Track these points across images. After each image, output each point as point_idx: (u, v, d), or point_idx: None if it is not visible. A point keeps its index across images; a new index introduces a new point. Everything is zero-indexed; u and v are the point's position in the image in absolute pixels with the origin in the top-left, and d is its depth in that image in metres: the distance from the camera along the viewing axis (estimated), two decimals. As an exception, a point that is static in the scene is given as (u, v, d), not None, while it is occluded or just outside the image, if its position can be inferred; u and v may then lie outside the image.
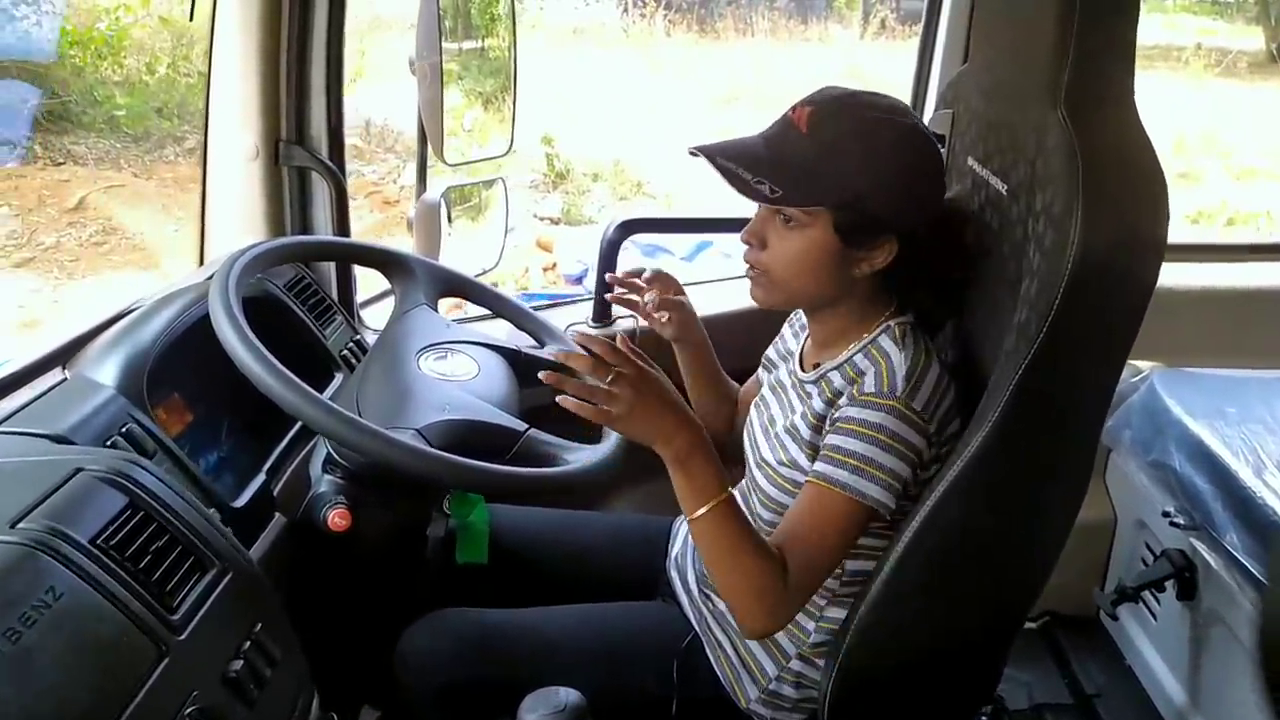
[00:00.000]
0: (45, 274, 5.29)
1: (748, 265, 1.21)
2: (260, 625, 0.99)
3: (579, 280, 4.75)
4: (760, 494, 1.27)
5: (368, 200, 6.38)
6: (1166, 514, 1.62)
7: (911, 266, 1.19)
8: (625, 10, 11.71)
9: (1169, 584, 1.64)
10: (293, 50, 1.58)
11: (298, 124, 1.63)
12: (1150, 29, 11.78)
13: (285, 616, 1.05)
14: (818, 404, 1.19)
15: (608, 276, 1.48)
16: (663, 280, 1.44)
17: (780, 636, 1.27)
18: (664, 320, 1.43)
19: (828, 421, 1.17)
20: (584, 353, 1.10)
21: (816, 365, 1.25)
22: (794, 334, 1.39)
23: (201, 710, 0.88)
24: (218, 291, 1.19)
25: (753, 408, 1.38)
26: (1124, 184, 1.01)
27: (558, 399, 1.07)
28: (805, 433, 1.20)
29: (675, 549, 1.46)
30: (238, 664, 0.94)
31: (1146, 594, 1.70)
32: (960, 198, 1.32)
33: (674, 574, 1.43)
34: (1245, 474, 1.49)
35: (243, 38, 1.54)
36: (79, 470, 0.95)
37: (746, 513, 1.26)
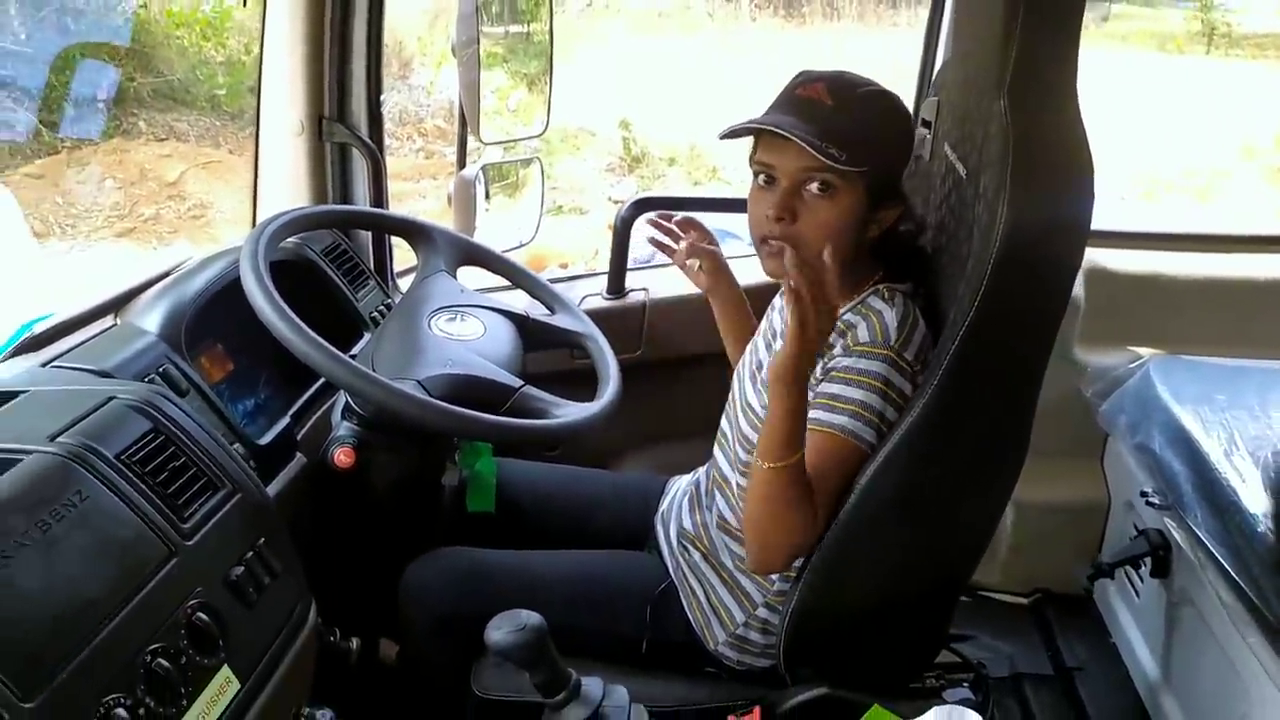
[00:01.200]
0: (144, 243, 5.63)
1: (767, 240, 1.26)
2: (263, 540, 1.14)
3: (646, 263, 4.87)
4: (739, 434, 1.36)
5: (449, 179, 6.57)
6: (1144, 494, 1.67)
7: (901, 226, 1.30)
8: (711, -6, 11.70)
9: (1145, 562, 1.68)
10: (335, 33, 1.73)
11: (339, 102, 1.78)
12: (1263, 16, 11.28)
13: (288, 538, 1.19)
14: None
15: (647, 219, 1.58)
16: (695, 227, 1.54)
17: (748, 585, 1.38)
18: (696, 269, 1.54)
19: (819, 371, 1.25)
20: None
21: None
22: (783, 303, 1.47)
23: (204, 605, 1.02)
24: (248, 252, 1.34)
25: (746, 350, 1.47)
26: (1051, 170, 1.08)
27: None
28: None
29: (664, 505, 1.56)
30: (239, 570, 1.08)
31: (1130, 572, 1.74)
32: (935, 180, 1.39)
33: (659, 526, 1.54)
34: (1215, 455, 1.53)
35: (290, 21, 1.69)
36: (112, 398, 1.11)
37: (727, 449, 1.36)
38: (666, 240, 1.55)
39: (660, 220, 1.57)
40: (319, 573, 1.26)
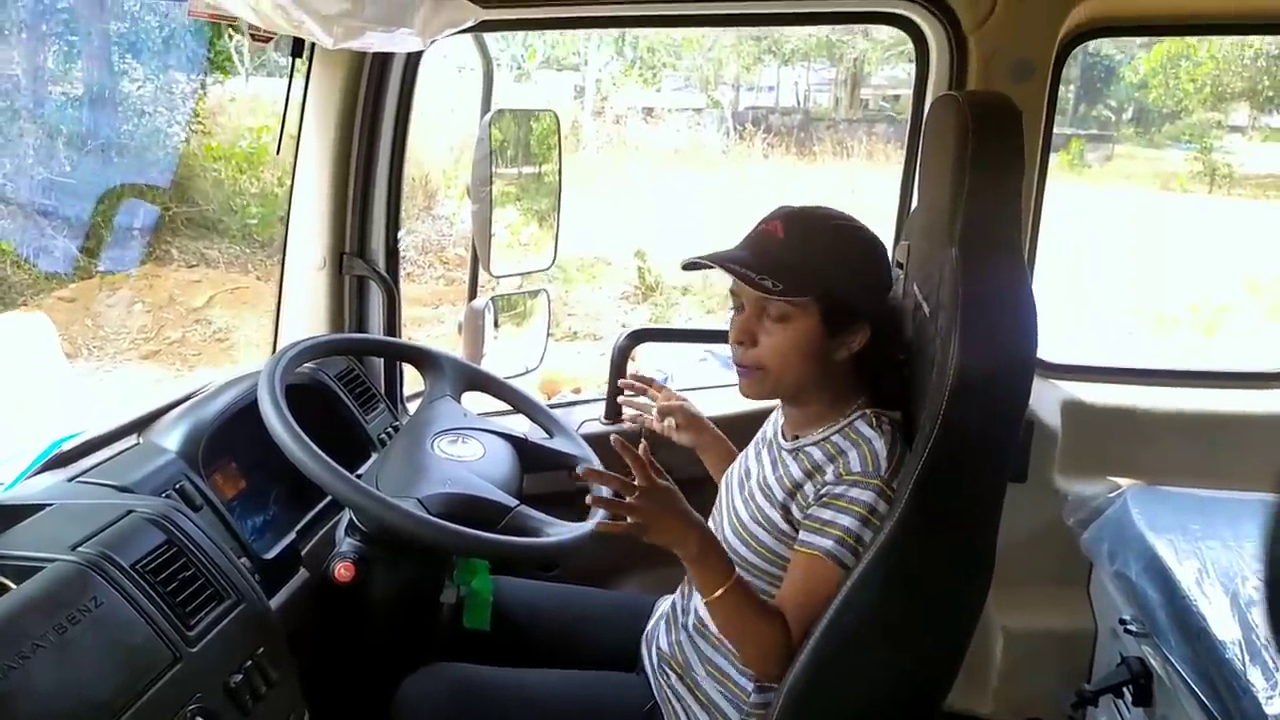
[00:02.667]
0: (169, 365, 5.81)
1: (740, 365, 1.37)
2: (262, 650, 1.20)
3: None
4: (724, 540, 1.42)
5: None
6: (1123, 621, 1.69)
7: (878, 349, 1.37)
8: (726, 133, 12.23)
9: (1127, 690, 1.69)
10: (359, 176, 1.89)
11: (360, 239, 1.92)
12: (1263, 158, 11.64)
13: (286, 649, 1.25)
14: (796, 472, 1.36)
15: (620, 383, 1.70)
16: (656, 387, 1.66)
17: (723, 705, 1.41)
18: (672, 428, 1.64)
19: (810, 492, 1.33)
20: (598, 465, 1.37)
21: (796, 437, 1.41)
22: (779, 414, 1.54)
23: (203, 710, 1.08)
24: (265, 376, 1.45)
25: (737, 458, 1.55)
26: (998, 313, 1.18)
27: (597, 526, 1.33)
28: (779, 494, 1.36)
29: (649, 626, 1.61)
30: (238, 677, 1.15)
31: (1115, 702, 1.74)
32: (907, 317, 1.49)
33: (644, 647, 1.58)
34: (1188, 583, 1.56)
35: (318, 164, 1.85)
36: (130, 511, 1.20)
37: None
38: (640, 409, 1.67)
39: (629, 383, 1.68)
40: (315, 684, 1.32)
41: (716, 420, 1.70)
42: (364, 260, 1.93)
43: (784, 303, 1.31)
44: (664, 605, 1.62)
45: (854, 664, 1.28)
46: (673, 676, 1.47)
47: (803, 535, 1.31)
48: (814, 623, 1.28)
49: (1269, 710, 1.30)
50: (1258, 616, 1.47)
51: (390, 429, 1.88)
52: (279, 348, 1.56)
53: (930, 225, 1.40)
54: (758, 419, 1.58)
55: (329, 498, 1.66)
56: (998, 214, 1.22)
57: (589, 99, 11.22)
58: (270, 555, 1.47)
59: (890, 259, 1.46)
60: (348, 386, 1.84)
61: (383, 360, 1.99)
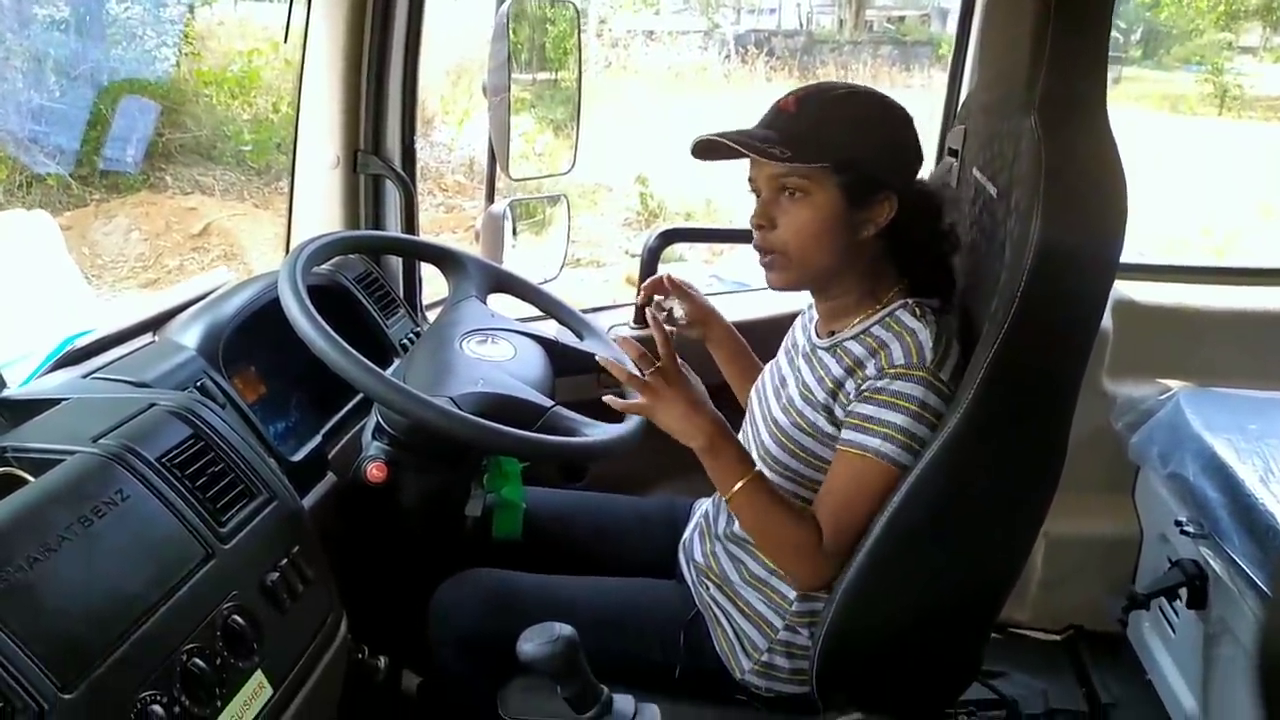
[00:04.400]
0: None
1: (762, 252, 1.29)
2: (297, 549, 1.14)
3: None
4: (763, 450, 1.36)
5: (467, 233, 6.69)
6: (1179, 523, 1.65)
7: (909, 228, 1.28)
8: (728, 56, 11.96)
9: (1181, 593, 1.65)
10: (372, 70, 1.78)
11: (375, 136, 1.82)
12: (1274, 79, 11.42)
13: (321, 549, 1.19)
14: (836, 370, 1.28)
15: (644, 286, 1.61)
16: (663, 287, 1.56)
17: (766, 611, 1.36)
18: (682, 319, 1.54)
19: (851, 389, 1.25)
20: (631, 367, 1.28)
21: (832, 333, 1.34)
22: (808, 314, 1.47)
23: (239, 607, 1.02)
24: (286, 271, 1.37)
25: (766, 368, 1.48)
26: (1083, 184, 1.09)
27: (604, 398, 1.24)
28: (820, 395, 1.29)
29: (686, 532, 1.55)
30: (274, 575, 1.08)
31: (1165, 605, 1.71)
32: (965, 205, 1.40)
33: (682, 556, 1.53)
34: (1251, 481, 1.51)
35: (329, 58, 1.74)
36: (153, 405, 1.13)
37: None
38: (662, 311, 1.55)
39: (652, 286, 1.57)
40: (348, 590, 1.26)
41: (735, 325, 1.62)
42: (379, 158, 1.83)
43: (799, 176, 1.22)
44: (699, 511, 1.57)
45: (911, 567, 1.23)
46: (712, 587, 1.42)
47: (845, 434, 1.24)
48: (860, 523, 1.22)
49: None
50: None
51: (411, 334, 1.81)
52: (302, 241, 1.47)
53: (997, 101, 1.30)
54: (777, 326, 1.50)
55: (353, 401, 1.60)
56: (1084, 77, 1.12)
57: (590, 22, 10.94)
58: (297, 458, 1.40)
59: (939, 149, 1.36)
60: (367, 290, 1.76)
61: (401, 264, 1.90)
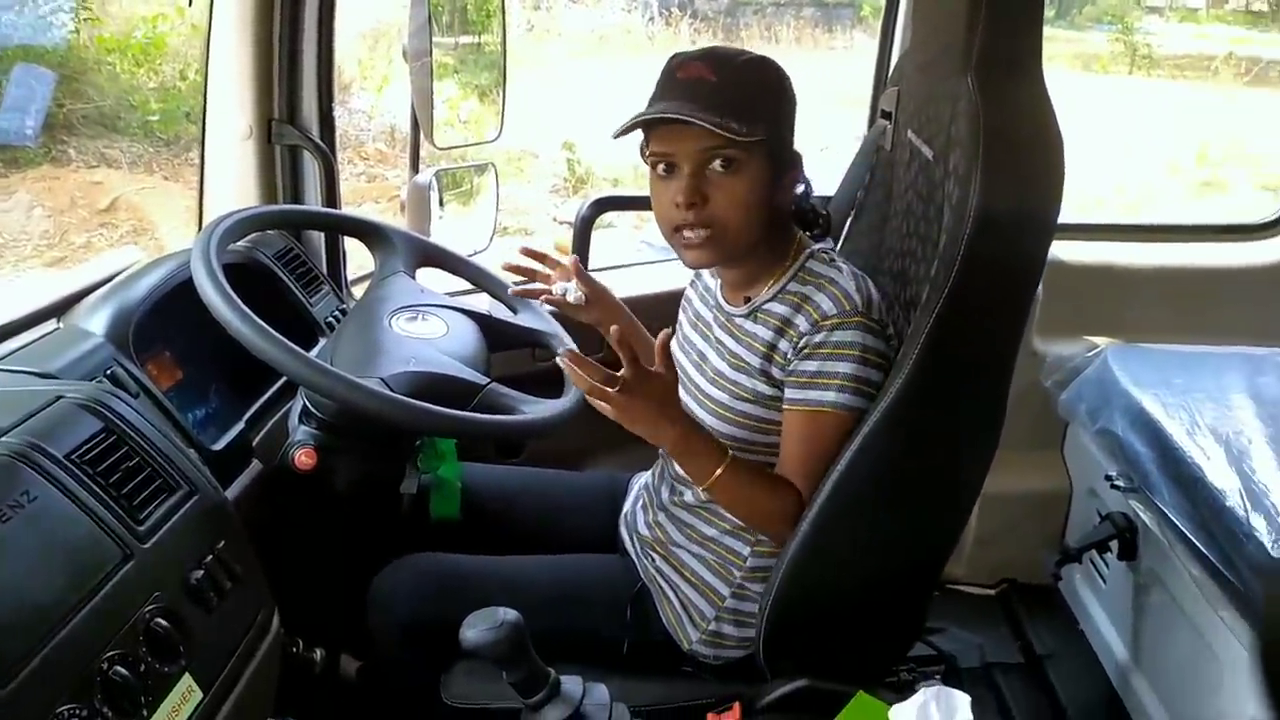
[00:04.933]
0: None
1: (690, 230, 1.23)
2: (223, 544, 1.08)
3: (609, 265, 4.88)
4: (715, 433, 1.33)
5: (391, 204, 6.52)
6: (1109, 477, 1.68)
7: (806, 186, 1.32)
8: (651, 19, 11.83)
9: (1112, 545, 1.69)
10: (285, 34, 1.69)
11: (289, 104, 1.73)
12: (1180, 39, 11.74)
13: (248, 542, 1.14)
14: (764, 333, 1.27)
15: (505, 266, 1.55)
16: (558, 267, 1.52)
17: (712, 579, 1.36)
18: (580, 300, 1.50)
19: (787, 349, 1.24)
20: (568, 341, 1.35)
21: (747, 299, 1.32)
22: (704, 285, 1.45)
23: (163, 610, 0.97)
24: (199, 249, 1.29)
25: (675, 348, 1.44)
26: (1022, 147, 1.09)
27: (587, 397, 1.21)
28: (755, 360, 1.27)
29: (626, 506, 1.53)
30: (199, 573, 1.03)
31: (1095, 557, 1.75)
32: (899, 169, 1.39)
33: (624, 530, 1.51)
34: (1179, 436, 1.55)
35: (238, 22, 1.65)
36: (60, 398, 1.05)
37: None
38: (533, 268, 1.52)
39: (530, 255, 1.53)
40: (280, 581, 1.21)
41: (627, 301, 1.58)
42: (295, 128, 1.75)
43: (733, 150, 1.19)
44: (638, 485, 1.55)
45: (857, 534, 1.23)
46: (657, 558, 1.41)
47: (791, 393, 1.23)
48: (821, 474, 1.22)
49: (1275, 553, 1.29)
50: (1256, 464, 1.46)
51: (337, 312, 1.74)
52: (216, 218, 1.40)
53: (933, 61, 1.29)
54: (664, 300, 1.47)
55: (278, 384, 1.53)
56: (1021, 37, 1.11)
57: (509, -18, 10.69)
58: (219, 447, 1.34)
59: (871, 111, 1.35)
60: (287, 267, 1.69)
61: (324, 238, 1.83)
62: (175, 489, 1.07)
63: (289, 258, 1.70)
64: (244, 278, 1.53)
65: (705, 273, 1.44)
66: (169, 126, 6.67)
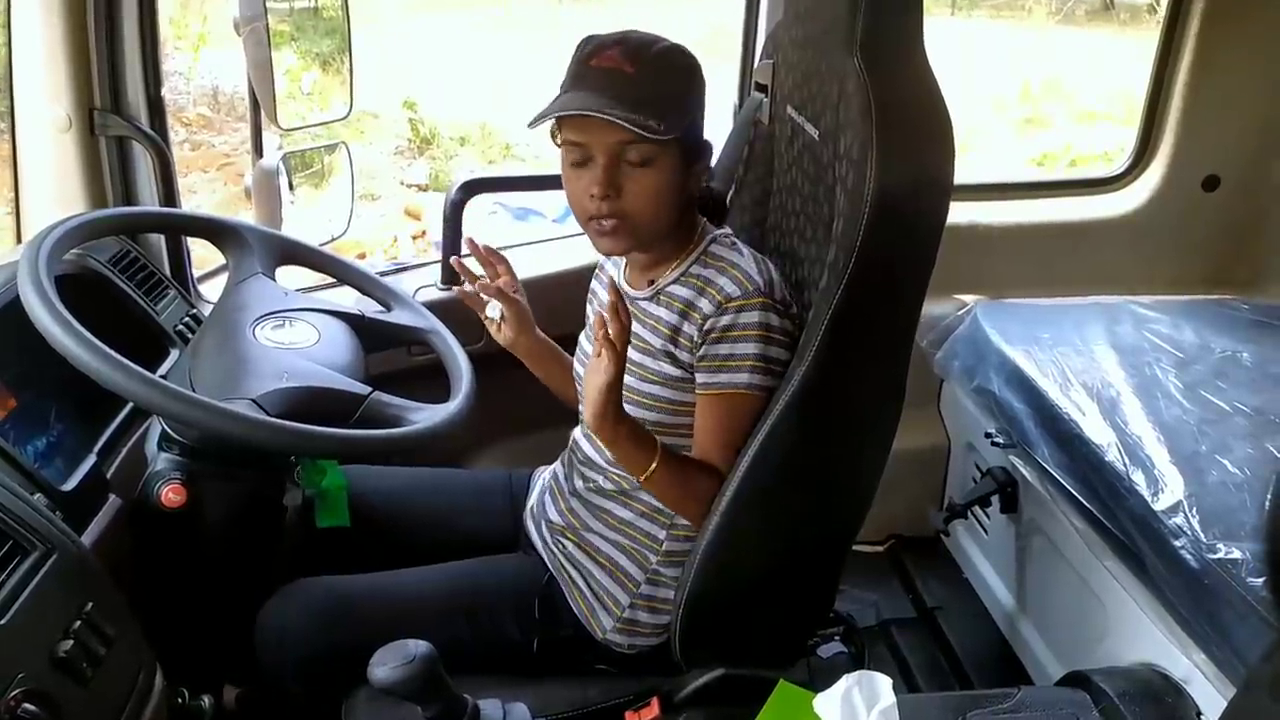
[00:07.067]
0: None
1: (604, 219, 1.21)
2: (91, 605, 0.97)
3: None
4: None
5: (220, 173, 6.10)
6: (989, 434, 1.75)
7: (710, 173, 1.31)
8: (484, -31, 11.45)
9: (994, 499, 1.76)
10: (101, 12, 1.51)
11: (113, 91, 1.56)
12: (994, -21, 12.25)
13: (119, 595, 1.03)
14: (667, 315, 1.26)
15: (465, 241, 1.48)
16: (504, 266, 1.44)
17: (627, 565, 1.33)
18: (498, 318, 1.45)
19: (693, 331, 1.23)
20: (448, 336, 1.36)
21: (651, 282, 1.30)
22: (607, 275, 1.42)
23: (29, 692, 0.86)
24: (27, 268, 1.15)
25: (583, 339, 1.43)
26: (914, 127, 1.08)
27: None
28: (658, 343, 1.26)
29: (531, 500, 1.49)
30: (67, 644, 0.92)
31: (976, 510, 1.82)
32: (780, 144, 1.37)
33: (529, 524, 1.46)
34: (1053, 392, 1.62)
35: (44, 1, 1.46)
36: None
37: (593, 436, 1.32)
38: (474, 271, 1.43)
39: (477, 250, 1.45)
40: (156, 629, 1.11)
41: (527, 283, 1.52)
42: (121, 117, 1.58)
43: (649, 145, 1.18)
44: (543, 478, 1.51)
45: (769, 520, 1.22)
46: (569, 545, 1.37)
47: (703, 378, 1.22)
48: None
49: (1156, 506, 1.36)
50: (1129, 416, 1.54)
51: (188, 319, 1.59)
52: (39, 231, 1.24)
53: (812, 38, 1.26)
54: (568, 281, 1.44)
55: (128, 407, 1.39)
56: (902, 12, 1.09)
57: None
58: (70, 486, 1.21)
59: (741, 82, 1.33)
60: (125, 273, 1.53)
61: (165, 237, 1.67)
62: (28, 550, 0.95)
63: (126, 262, 1.54)
64: (77, 290, 1.38)
65: (608, 263, 1.42)
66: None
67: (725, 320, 1.21)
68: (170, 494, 1.19)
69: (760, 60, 1.51)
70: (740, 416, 1.22)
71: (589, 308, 1.45)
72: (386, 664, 1.03)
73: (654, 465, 1.21)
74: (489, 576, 1.41)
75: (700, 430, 1.25)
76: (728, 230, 1.32)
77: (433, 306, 1.61)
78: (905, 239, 1.09)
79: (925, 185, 1.08)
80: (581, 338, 1.43)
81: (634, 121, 1.14)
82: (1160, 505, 1.36)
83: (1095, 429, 1.51)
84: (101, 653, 0.96)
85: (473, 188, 1.78)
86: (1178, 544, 1.32)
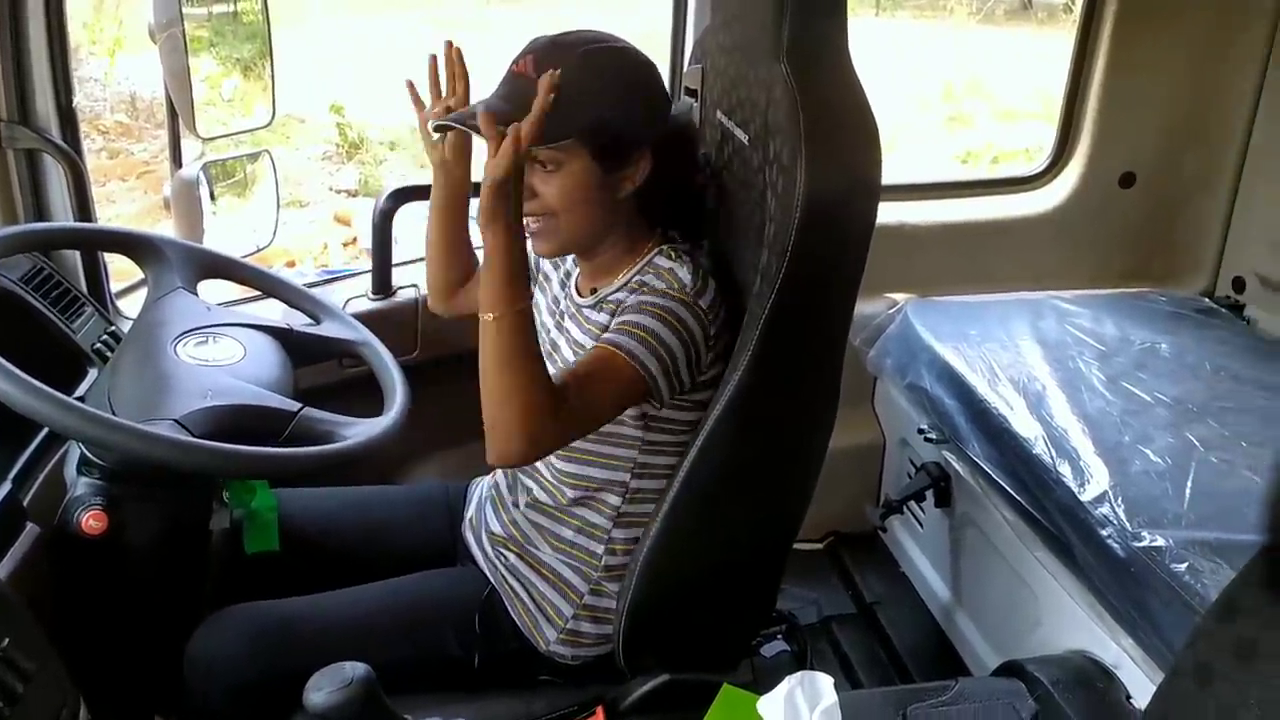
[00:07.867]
0: None
1: (532, 219, 1.20)
2: (8, 640, 0.93)
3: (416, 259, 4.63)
4: None
5: (140, 181, 5.92)
6: (921, 431, 1.78)
7: (666, 175, 1.24)
8: (410, -30, 11.31)
9: (928, 494, 1.80)
10: (3, 19, 1.45)
11: (20, 101, 1.50)
12: (918, -19, 12.49)
13: (38, 628, 0.99)
14: (603, 319, 1.25)
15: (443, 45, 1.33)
16: (464, 83, 1.31)
17: (570, 576, 1.32)
18: (443, 142, 1.34)
19: (610, 320, 1.22)
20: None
21: (594, 290, 1.29)
22: (564, 269, 1.40)
23: (-58, 739, 0.82)
24: None
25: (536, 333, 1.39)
26: (841, 132, 1.09)
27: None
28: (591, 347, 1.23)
29: (469, 512, 1.47)
30: (-18, 685, 0.88)
31: (912, 505, 1.85)
32: (712, 149, 1.38)
33: (469, 535, 1.44)
34: (982, 387, 1.65)
35: (-59, 9, 1.40)
36: None
37: None
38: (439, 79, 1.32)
39: (450, 51, 1.32)
40: (79, 662, 1.06)
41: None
42: (30, 129, 1.52)
43: (546, 151, 1.16)
44: (480, 490, 1.48)
45: (709, 527, 1.23)
46: (511, 556, 1.36)
47: (606, 335, 1.19)
48: (590, 411, 1.15)
49: (1083, 497, 1.39)
50: (1054, 409, 1.57)
51: (106, 336, 1.54)
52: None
53: (740, 42, 1.27)
54: None
55: (43, 431, 1.34)
56: (826, 17, 1.11)
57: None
58: (-18, 517, 1.16)
59: (670, 86, 1.31)
60: (39, 290, 1.48)
61: (79, 253, 1.61)
62: (-63, 588, 0.91)
63: (40, 279, 1.49)
64: (-14, 310, 1.33)
65: (569, 257, 1.38)
66: None
67: (641, 299, 1.19)
68: (91, 520, 1.14)
69: (689, 65, 1.51)
70: (609, 371, 1.15)
71: (539, 293, 1.40)
72: (323, 689, 1.01)
73: (513, 310, 1.09)
74: (427, 591, 1.39)
75: (575, 365, 1.18)
76: (685, 244, 1.28)
77: (364, 317, 1.58)
78: (836, 241, 1.10)
79: (855, 188, 1.10)
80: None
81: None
82: (1087, 496, 1.39)
83: (1023, 423, 1.55)
84: (19, 690, 0.91)
85: (402, 196, 1.75)
86: (1104, 533, 1.36)
